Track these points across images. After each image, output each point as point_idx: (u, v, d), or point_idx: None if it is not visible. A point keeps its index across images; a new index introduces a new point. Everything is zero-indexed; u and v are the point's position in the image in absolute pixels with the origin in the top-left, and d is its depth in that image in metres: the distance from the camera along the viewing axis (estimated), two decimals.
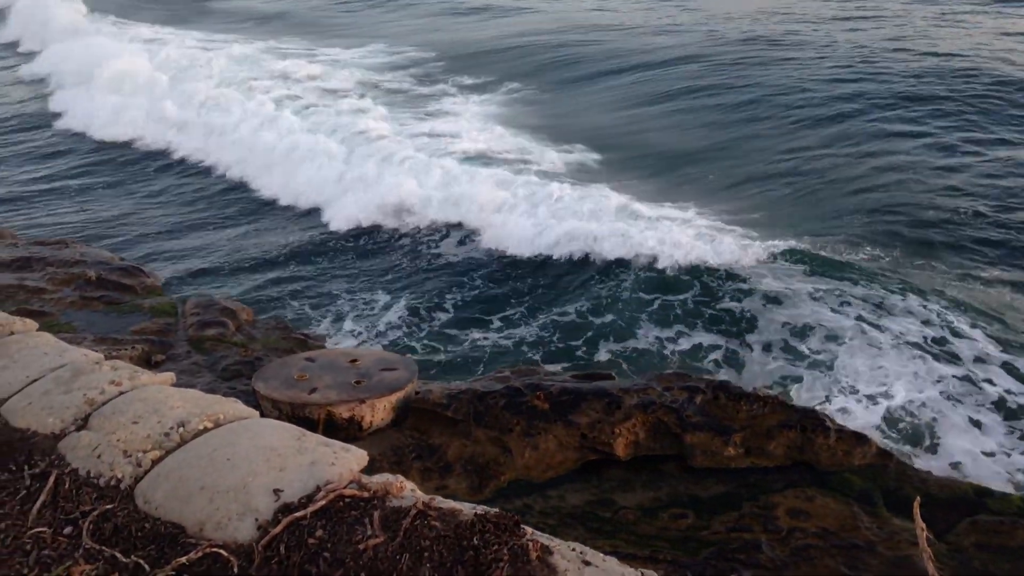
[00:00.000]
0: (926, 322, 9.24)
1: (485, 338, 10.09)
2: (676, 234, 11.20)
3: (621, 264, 11.10)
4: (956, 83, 18.97)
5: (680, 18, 30.15)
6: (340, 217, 13.59)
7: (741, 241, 11.35)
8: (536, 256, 11.72)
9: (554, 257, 11.62)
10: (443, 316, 10.73)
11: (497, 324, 10.40)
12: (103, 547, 2.46)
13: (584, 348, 9.69)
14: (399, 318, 10.73)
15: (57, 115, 20.62)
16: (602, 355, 9.52)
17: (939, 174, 14.29)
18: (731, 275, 10.46)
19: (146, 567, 2.37)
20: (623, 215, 12.20)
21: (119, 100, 19.94)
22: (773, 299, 9.96)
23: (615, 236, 11.38)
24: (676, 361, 9.19)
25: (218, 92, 20.03)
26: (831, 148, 15.97)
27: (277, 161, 15.88)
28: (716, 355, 9.32)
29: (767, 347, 9.21)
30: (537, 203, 12.69)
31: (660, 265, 10.75)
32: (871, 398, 8.13)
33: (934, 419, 7.72)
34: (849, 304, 9.73)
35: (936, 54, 21.75)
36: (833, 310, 9.63)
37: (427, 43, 28.16)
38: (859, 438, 4.71)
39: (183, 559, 2.37)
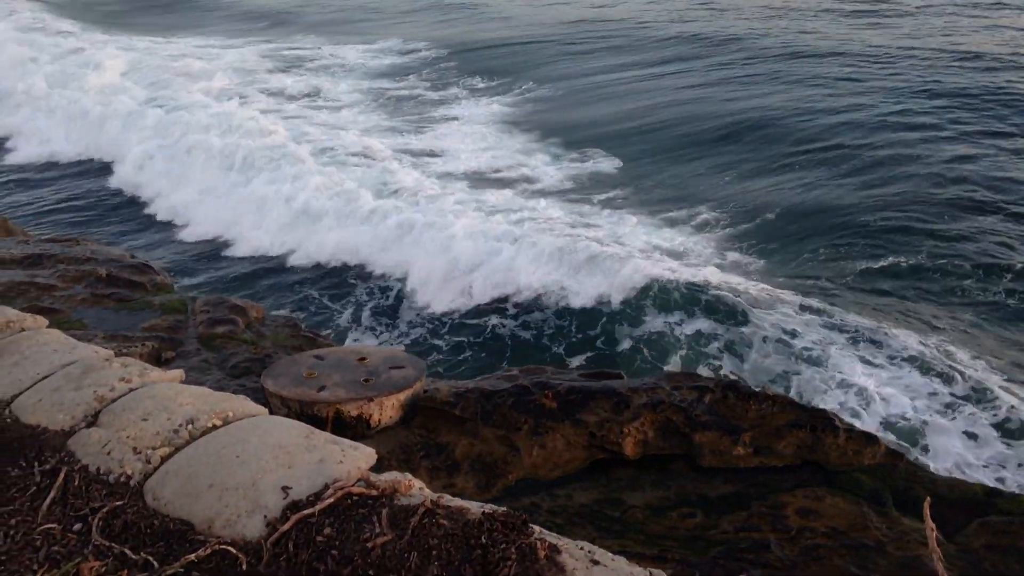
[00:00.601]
0: (924, 340, 9.18)
1: (502, 325, 10.19)
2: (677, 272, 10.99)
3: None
4: (977, 77, 18.90)
5: (694, 14, 30.10)
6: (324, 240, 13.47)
7: (745, 272, 11.30)
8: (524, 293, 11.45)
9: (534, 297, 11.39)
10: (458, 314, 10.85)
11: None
12: (112, 543, 2.47)
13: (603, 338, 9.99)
14: (417, 316, 10.84)
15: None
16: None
17: (952, 169, 14.24)
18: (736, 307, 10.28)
19: (155, 564, 2.38)
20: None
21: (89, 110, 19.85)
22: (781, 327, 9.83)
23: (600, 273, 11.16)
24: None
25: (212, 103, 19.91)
26: (842, 144, 15.95)
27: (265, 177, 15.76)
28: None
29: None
30: (526, 235, 12.36)
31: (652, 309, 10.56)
32: (865, 407, 8.11)
33: (926, 425, 7.69)
34: (847, 317, 9.70)
35: (953, 50, 21.64)
36: (831, 327, 9.58)
37: (441, 40, 28.12)
38: (868, 438, 4.69)
39: (192, 556, 2.38)
